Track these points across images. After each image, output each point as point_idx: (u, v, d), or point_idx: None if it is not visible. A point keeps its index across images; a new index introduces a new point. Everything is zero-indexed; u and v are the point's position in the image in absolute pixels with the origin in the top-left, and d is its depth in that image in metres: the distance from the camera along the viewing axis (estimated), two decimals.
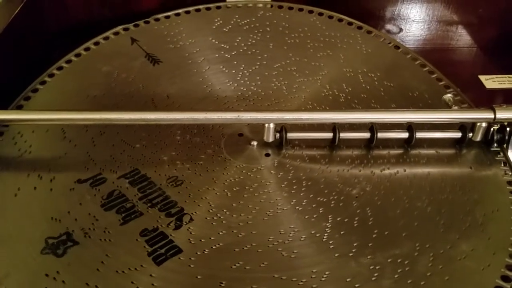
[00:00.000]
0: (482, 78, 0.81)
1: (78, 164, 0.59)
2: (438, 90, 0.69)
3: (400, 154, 0.61)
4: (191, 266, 0.49)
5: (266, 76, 0.69)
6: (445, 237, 0.53)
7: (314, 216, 0.54)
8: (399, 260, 0.51)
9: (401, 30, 0.89)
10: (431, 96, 0.67)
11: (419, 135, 0.61)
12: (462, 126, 0.61)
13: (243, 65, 0.70)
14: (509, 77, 0.81)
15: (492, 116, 0.59)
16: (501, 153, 0.61)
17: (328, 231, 0.53)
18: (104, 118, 0.57)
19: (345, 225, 0.53)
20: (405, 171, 0.59)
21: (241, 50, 0.73)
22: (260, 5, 0.80)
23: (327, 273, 0.49)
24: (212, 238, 0.52)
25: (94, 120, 0.57)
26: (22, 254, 0.50)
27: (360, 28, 0.77)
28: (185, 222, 0.53)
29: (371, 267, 0.50)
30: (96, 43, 0.73)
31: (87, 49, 0.73)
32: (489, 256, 0.52)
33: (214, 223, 0.53)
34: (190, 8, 0.78)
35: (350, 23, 0.78)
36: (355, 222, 0.54)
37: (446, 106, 0.64)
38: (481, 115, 0.59)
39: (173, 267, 0.49)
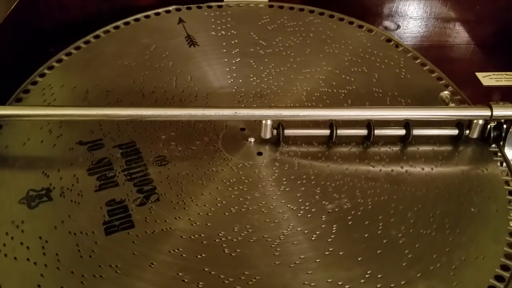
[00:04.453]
0: (479, 75, 0.79)
1: (86, 126, 0.62)
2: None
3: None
4: (134, 242, 0.51)
5: (291, 78, 0.69)
6: (404, 272, 0.50)
7: (275, 221, 0.53)
8: (339, 283, 0.49)
9: (398, 27, 0.87)
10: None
11: (416, 132, 0.60)
12: (459, 123, 0.61)
13: (273, 64, 0.70)
14: (505, 74, 0.80)
15: (489, 113, 0.58)
16: (498, 150, 0.60)
17: (282, 238, 0.52)
18: (102, 114, 0.58)
19: (302, 236, 0.52)
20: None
21: (277, 50, 0.73)
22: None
23: (257, 277, 0.49)
24: (166, 221, 0.53)
25: (91, 116, 0.58)
26: (2, 199, 0.54)
27: (407, 52, 0.74)
28: (151, 201, 0.55)
29: (305, 283, 0.48)
30: (147, 16, 0.78)
31: (137, 19, 0.77)
32: None
33: (176, 208, 0.54)
34: (243, 2, 0.79)
35: (397, 45, 0.75)
36: (314, 236, 0.52)
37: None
38: (478, 112, 0.59)
39: (117, 240, 0.51)
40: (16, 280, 0.48)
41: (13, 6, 0.69)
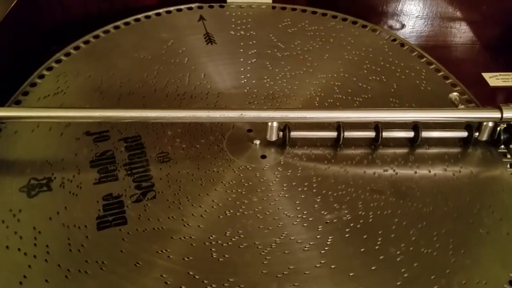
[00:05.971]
0: (486, 75, 0.77)
1: None
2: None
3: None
4: (124, 239, 0.51)
5: (305, 83, 0.67)
6: None
7: (269, 228, 0.52)
8: None
9: (403, 26, 0.85)
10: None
11: (425, 134, 0.59)
12: (468, 126, 0.60)
13: (289, 67, 0.69)
14: None
15: (499, 115, 0.57)
16: (508, 153, 0.59)
17: (273, 246, 0.51)
18: (104, 116, 0.56)
19: (294, 246, 0.51)
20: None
21: (294, 53, 0.72)
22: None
23: (241, 285, 0.48)
24: (159, 220, 0.52)
25: (93, 118, 0.56)
26: (3, 186, 0.55)
27: (430, 64, 0.71)
28: (147, 198, 0.54)
29: None
30: (168, 12, 0.78)
31: (158, 14, 0.77)
32: None
33: (170, 207, 0.54)
34: (264, 4, 0.78)
35: (421, 56, 0.72)
36: (306, 246, 0.51)
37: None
38: (488, 115, 0.58)
39: (108, 236, 0.51)
40: (4, 269, 0.48)
41: (12, 5, 0.69)
